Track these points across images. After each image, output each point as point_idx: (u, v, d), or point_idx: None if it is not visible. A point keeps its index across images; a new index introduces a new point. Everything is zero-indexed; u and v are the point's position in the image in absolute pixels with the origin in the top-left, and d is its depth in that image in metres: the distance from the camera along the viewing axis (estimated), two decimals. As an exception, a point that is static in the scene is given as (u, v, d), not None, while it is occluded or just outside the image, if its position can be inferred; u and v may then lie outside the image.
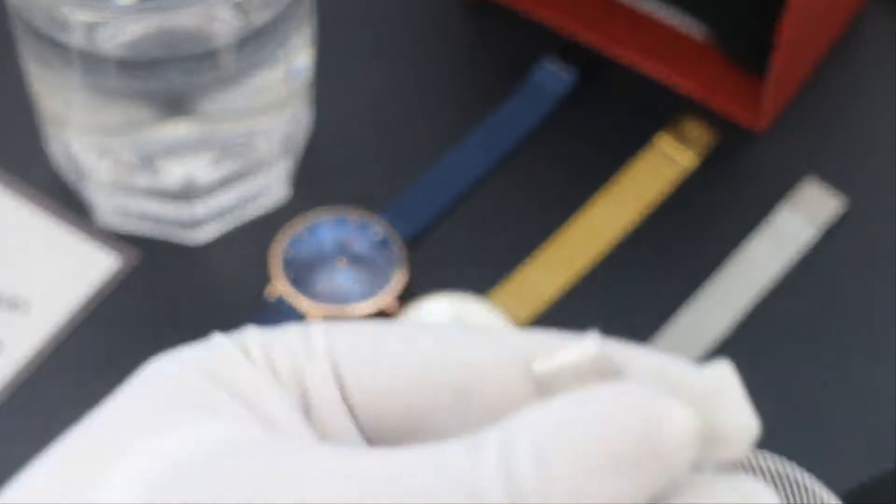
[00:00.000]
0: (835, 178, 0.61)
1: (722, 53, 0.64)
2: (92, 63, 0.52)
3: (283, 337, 0.32)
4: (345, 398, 0.31)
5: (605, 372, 0.29)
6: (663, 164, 0.62)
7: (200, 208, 0.58)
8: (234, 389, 0.31)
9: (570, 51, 0.64)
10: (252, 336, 0.32)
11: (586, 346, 0.29)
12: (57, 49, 0.53)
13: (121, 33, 0.51)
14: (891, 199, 0.61)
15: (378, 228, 0.57)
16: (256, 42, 0.54)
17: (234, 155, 0.57)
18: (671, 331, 0.57)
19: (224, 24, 0.53)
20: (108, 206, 0.58)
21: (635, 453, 0.27)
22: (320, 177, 0.61)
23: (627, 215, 0.60)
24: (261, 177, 0.59)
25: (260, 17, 0.53)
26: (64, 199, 0.60)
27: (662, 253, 0.60)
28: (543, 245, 0.59)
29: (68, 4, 0.51)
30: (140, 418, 0.30)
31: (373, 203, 0.60)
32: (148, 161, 0.56)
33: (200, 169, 0.57)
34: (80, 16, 0.51)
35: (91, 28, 0.52)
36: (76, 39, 0.52)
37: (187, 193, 0.57)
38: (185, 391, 0.31)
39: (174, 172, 0.56)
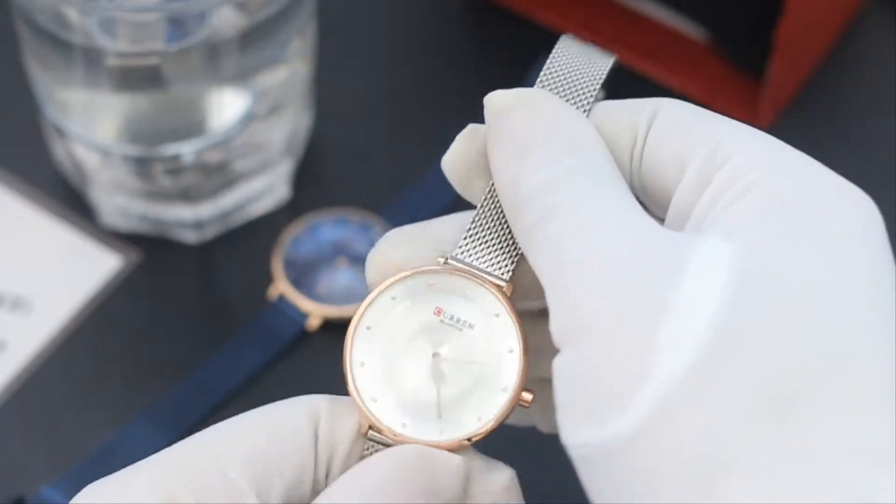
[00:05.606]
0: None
1: (721, 55, 0.64)
2: (93, 62, 0.52)
3: None
4: None
5: None
6: (662, 164, 0.62)
7: (202, 209, 0.58)
8: None
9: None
10: None
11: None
12: (59, 48, 0.53)
13: (123, 32, 0.51)
14: (889, 198, 0.61)
15: (378, 228, 0.57)
16: (258, 42, 0.53)
17: (235, 156, 0.57)
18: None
19: (226, 23, 0.53)
20: (110, 206, 0.58)
21: None
22: (321, 177, 0.61)
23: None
24: (262, 177, 0.59)
25: (261, 15, 0.53)
26: (67, 200, 0.60)
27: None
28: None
29: (70, 3, 0.51)
30: None
31: (373, 203, 0.60)
32: (150, 161, 0.56)
33: (202, 169, 0.57)
34: (81, 14, 0.51)
35: (93, 27, 0.51)
36: (78, 38, 0.52)
37: (189, 195, 0.57)
38: None
39: (176, 173, 0.56)
